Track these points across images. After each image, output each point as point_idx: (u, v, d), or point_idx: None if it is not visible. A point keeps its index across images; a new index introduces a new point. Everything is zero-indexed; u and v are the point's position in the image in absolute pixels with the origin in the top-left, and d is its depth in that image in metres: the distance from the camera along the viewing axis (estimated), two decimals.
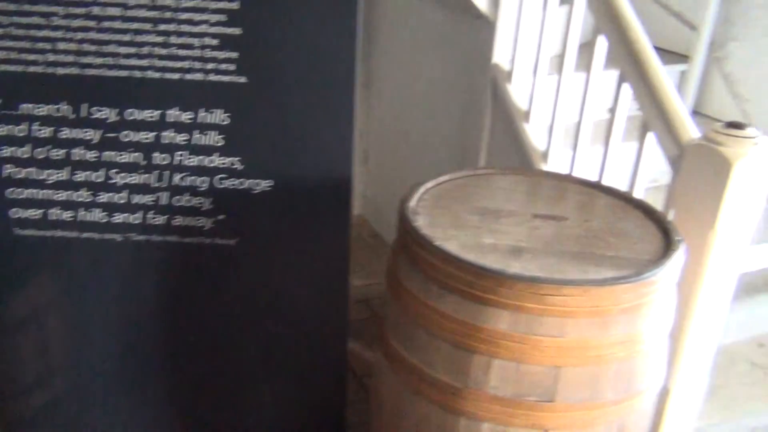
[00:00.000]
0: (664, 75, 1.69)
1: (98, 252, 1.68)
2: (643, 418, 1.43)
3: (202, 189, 1.60)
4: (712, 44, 2.61)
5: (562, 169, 2.10)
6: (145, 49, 1.46)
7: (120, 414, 1.89)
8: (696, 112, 2.68)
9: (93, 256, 1.69)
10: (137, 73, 1.48)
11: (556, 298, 1.25)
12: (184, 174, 1.58)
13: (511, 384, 1.31)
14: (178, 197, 1.61)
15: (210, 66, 1.48)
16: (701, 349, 1.76)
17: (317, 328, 1.80)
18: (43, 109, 1.52)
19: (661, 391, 1.74)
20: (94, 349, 1.82)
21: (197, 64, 1.48)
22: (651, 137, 1.74)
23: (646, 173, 1.85)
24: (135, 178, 1.59)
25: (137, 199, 1.61)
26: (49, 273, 1.71)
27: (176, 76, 1.49)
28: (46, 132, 1.54)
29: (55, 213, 1.62)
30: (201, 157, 1.57)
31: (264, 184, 1.60)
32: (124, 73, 1.49)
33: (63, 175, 1.58)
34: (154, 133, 1.54)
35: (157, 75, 1.48)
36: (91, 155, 1.56)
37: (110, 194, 1.60)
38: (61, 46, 1.47)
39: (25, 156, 1.56)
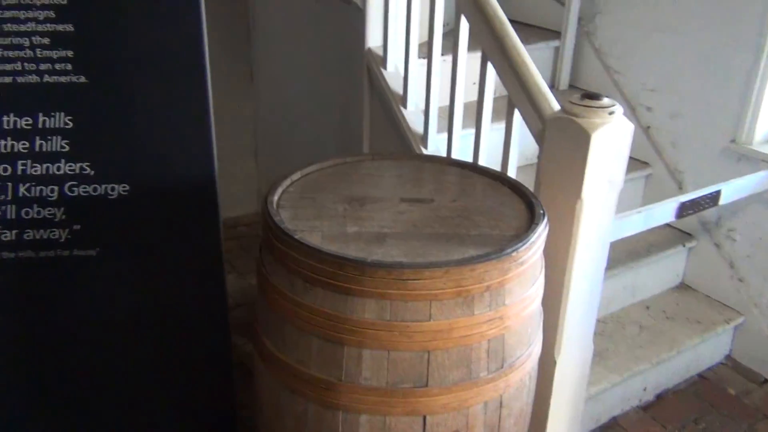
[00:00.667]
0: (523, 51, 1.70)
1: None
2: (522, 392, 1.43)
3: (52, 198, 1.50)
4: (580, 19, 2.67)
5: (442, 153, 2.10)
6: None
7: None
8: (573, 86, 2.74)
9: None
10: None
11: (418, 282, 1.23)
12: (29, 184, 1.48)
13: (384, 373, 1.29)
14: (26, 209, 1.50)
15: (44, 66, 1.38)
16: (581, 317, 1.79)
17: (197, 330, 1.73)
18: None
19: (548, 362, 1.77)
20: None
21: (30, 65, 1.37)
22: (517, 114, 1.75)
23: (518, 151, 1.86)
24: None
25: None
26: None
27: (8, 79, 1.38)
28: None
29: None
30: (46, 165, 1.47)
31: (119, 189, 1.51)
32: None
33: None
34: None
35: None
36: None
37: None
38: None
39: None
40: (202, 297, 1.68)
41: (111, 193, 1.52)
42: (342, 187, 1.54)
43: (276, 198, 1.46)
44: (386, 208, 1.45)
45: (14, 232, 1.52)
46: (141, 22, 1.37)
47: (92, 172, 1.49)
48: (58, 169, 1.48)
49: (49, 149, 1.46)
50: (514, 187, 1.57)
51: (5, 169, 1.46)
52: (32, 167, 1.47)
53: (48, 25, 1.34)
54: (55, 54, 1.37)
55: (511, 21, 1.78)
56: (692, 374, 2.36)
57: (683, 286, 2.57)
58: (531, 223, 1.42)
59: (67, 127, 1.44)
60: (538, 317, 1.46)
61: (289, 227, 1.34)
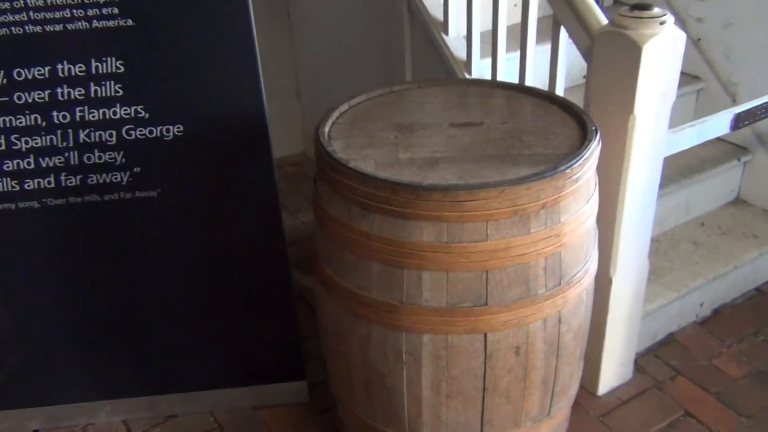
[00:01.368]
0: None
1: (18, 222, 1.63)
2: (579, 308, 1.45)
3: (111, 143, 1.54)
4: None
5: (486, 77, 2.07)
6: (19, 3, 1.38)
7: (78, 380, 1.88)
8: (617, 2, 2.65)
9: (13, 228, 1.63)
10: (16, 30, 1.40)
11: (474, 203, 1.24)
12: (88, 130, 1.52)
13: (444, 294, 1.32)
14: (88, 155, 1.55)
15: (92, 12, 1.40)
16: (636, 234, 1.78)
17: (258, 268, 1.78)
18: None
19: (604, 280, 1.78)
20: (38, 320, 1.78)
21: (78, 12, 1.40)
22: (563, 32, 1.71)
23: (565, 71, 1.83)
24: (38, 141, 1.52)
25: (45, 162, 1.55)
26: None
27: (58, 27, 1.41)
28: None
29: None
30: (103, 110, 1.51)
31: (174, 130, 1.55)
32: (2, 32, 1.40)
33: None
34: (48, 91, 1.47)
35: (38, 29, 1.40)
36: None
37: (16, 161, 1.54)
38: None
39: None
40: (260, 233, 1.72)
41: (166, 134, 1.55)
42: (391, 115, 1.55)
43: (327, 129, 1.47)
44: (436, 134, 1.46)
45: (78, 177, 1.58)
46: None
47: (146, 115, 1.52)
48: (114, 113, 1.52)
49: (103, 94, 1.49)
50: (564, 105, 1.55)
51: (64, 117, 1.51)
52: (90, 113, 1.51)
53: None
54: None
55: None
56: (750, 288, 2.34)
57: (739, 201, 2.52)
58: (583, 140, 1.40)
59: (119, 71, 1.47)
60: (593, 234, 1.46)
61: (343, 157, 1.35)
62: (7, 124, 1.50)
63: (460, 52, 2.11)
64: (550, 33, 1.77)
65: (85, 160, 1.56)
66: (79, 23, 1.41)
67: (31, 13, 1.39)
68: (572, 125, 1.48)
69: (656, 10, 1.51)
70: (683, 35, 1.54)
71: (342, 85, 2.89)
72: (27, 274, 1.70)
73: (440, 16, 2.13)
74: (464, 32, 2.07)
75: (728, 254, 2.25)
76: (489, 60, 2.02)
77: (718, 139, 2.46)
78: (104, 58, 1.45)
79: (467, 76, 2.08)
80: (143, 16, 1.42)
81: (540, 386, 1.46)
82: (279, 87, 3.11)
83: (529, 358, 1.40)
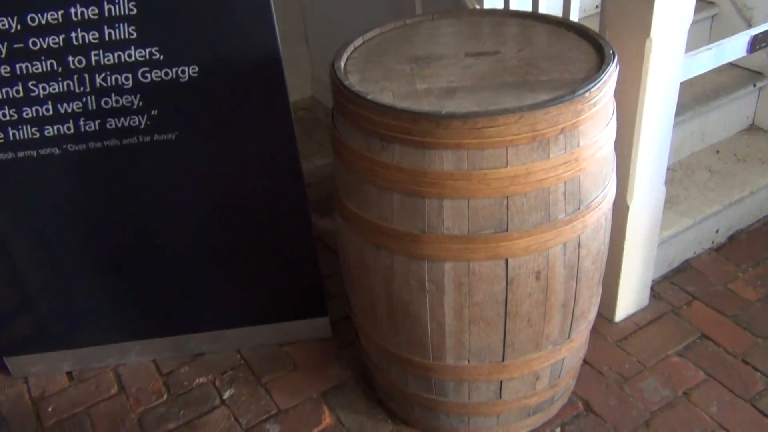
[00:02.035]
0: None
1: (40, 169, 1.65)
2: (599, 232, 1.47)
3: (128, 86, 1.55)
4: None
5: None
6: None
7: (107, 322, 1.93)
8: None
9: (36, 175, 1.65)
10: None
11: (493, 129, 1.24)
12: (104, 73, 1.52)
13: (465, 221, 1.33)
14: (105, 99, 1.56)
15: None
16: (652, 161, 1.79)
17: (278, 208, 1.80)
18: None
19: (621, 207, 1.79)
20: (63, 266, 1.82)
21: None
22: None
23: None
24: (55, 87, 1.53)
25: (63, 108, 1.56)
26: None
27: None
28: None
29: None
30: (118, 53, 1.51)
31: (189, 71, 1.55)
32: None
33: None
34: (62, 35, 1.47)
35: None
36: (2, 70, 1.49)
37: (34, 107, 1.55)
38: None
39: None
40: (279, 172, 1.74)
41: (182, 75, 1.55)
42: (405, 48, 1.54)
43: (342, 64, 1.47)
44: (452, 64, 1.45)
45: (97, 122, 1.59)
46: None
47: (161, 57, 1.52)
48: (129, 56, 1.51)
49: (118, 37, 1.49)
50: (580, 31, 1.54)
51: (80, 61, 1.51)
52: (105, 56, 1.51)
53: None
54: None
55: None
56: (765, 214, 2.35)
57: (754, 128, 2.51)
58: (600, 64, 1.40)
59: (132, 13, 1.46)
60: (611, 160, 1.47)
61: (361, 89, 1.36)
62: (24, 71, 1.50)
63: None
64: None
65: (103, 104, 1.57)
66: None
67: None
68: (588, 51, 1.47)
69: None
70: None
71: (350, 27, 2.84)
72: (51, 220, 1.73)
73: None
74: None
75: (744, 180, 2.26)
76: None
77: (733, 65, 2.44)
78: (116, 0, 1.44)
79: (479, 7, 2.05)
80: None
81: (560, 310, 1.49)
82: (287, 32, 3.05)
83: (550, 283, 1.42)
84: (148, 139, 1.62)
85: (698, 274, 2.15)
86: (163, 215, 1.77)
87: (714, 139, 2.43)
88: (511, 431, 1.70)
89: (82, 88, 1.54)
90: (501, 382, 1.57)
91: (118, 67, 1.53)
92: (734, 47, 1.88)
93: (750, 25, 2.39)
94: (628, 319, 2.02)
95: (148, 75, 1.54)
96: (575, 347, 1.62)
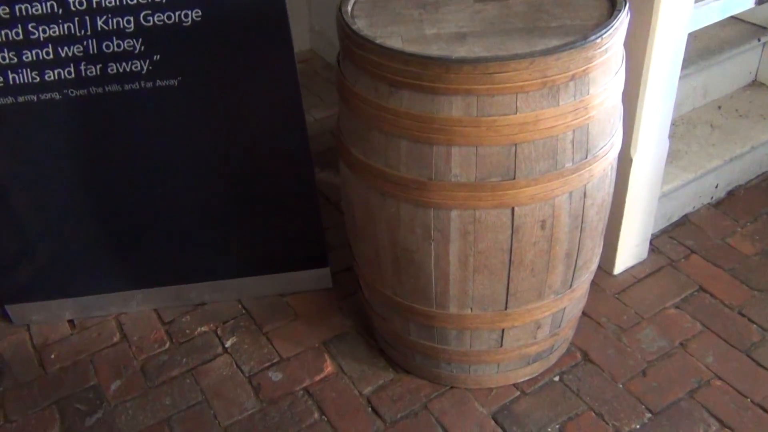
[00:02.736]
0: None
1: (41, 114, 1.62)
2: (604, 182, 1.47)
3: (129, 30, 1.52)
4: None
5: None
6: None
7: (109, 271, 1.93)
8: None
9: (36, 120, 1.63)
10: None
11: (504, 75, 1.23)
12: (105, 16, 1.49)
13: (473, 169, 1.33)
14: (106, 43, 1.53)
15: None
16: (657, 113, 1.78)
17: (280, 159, 1.79)
18: None
19: (625, 159, 1.79)
20: (64, 213, 1.81)
21: None
22: None
23: None
24: (55, 29, 1.50)
25: (64, 51, 1.53)
26: None
27: None
28: None
29: None
30: None
31: (192, 15, 1.52)
32: None
33: None
34: None
35: None
36: (1, 11, 1.46)
37: (35, 50, 1.52)
38: None
39: None
40: (282, 122, 1.72)
41: (185, 19, 1.52)
42: None
43: (349, 8, 1.45)
44: (461, 10, 1.43)
45: (98, 66, 1.56)
46: None
47: (163, 0, 1.49)
48: None
49: None
50: None
51: (81, 3, 1.48)
52: None
53: None
54: None
55: None
56: (765, 170, 2.36)
57: (756, 84, 2.50)
58: (611, 11, 1.38)
59: None
60: (619, 109, 1.46)
61: (369, 34, 1.34)
62: (24, 12, 1.47)
63: None
64: None
65: (104, 48, 1.54)
66: None
67: None
68: None
69: None
70: None
71: None
72: (52, 166, 1.72)
73: None
74: None
75: (745, 136, 2.26)
76: None
77: (738, 19, 2.42)
78: None
79: None
80: None
81: (564, 260, 1.50)
82: None
83: (554, 232, 1.43)
84: (150, 84, 1.60)
85: (697, 228, 2.17)
86: (165, 163, 1.75)
87: (716, 94, 2.42)
88: (511, 379, 1.73)
89: (83, 31, 1.51)
90: (503, 330, 1.59)
91: (120, 10, 1.50)
92: None
93: None
94: (627, 272, 2.04)
95: (150, 18, 1.51)
96: (576, 297, 1.63)
